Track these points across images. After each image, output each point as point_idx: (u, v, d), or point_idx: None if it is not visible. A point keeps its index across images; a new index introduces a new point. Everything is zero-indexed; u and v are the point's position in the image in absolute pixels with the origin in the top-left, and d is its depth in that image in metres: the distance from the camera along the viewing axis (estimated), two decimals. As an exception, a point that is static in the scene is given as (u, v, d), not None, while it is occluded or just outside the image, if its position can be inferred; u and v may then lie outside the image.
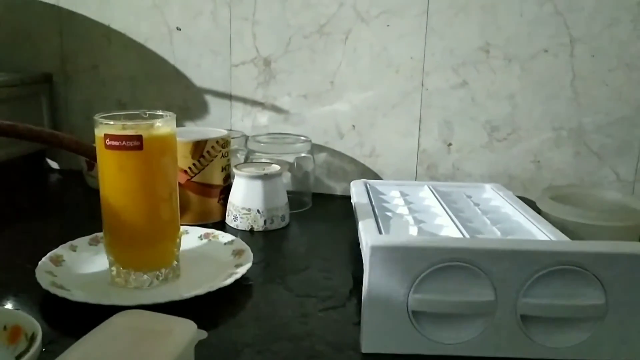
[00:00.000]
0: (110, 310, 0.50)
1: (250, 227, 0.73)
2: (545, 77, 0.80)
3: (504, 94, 0.82)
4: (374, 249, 0.44)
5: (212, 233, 0.67)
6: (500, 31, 0.79)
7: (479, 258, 0.44)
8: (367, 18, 0.83)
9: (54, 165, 1.02)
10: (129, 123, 0.53)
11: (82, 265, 0.59)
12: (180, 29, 0.91)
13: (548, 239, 0.54)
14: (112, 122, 0.52)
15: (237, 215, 0.74)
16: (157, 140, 0.53)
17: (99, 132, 0.52)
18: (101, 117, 0.53)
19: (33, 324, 0.43)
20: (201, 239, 0.66)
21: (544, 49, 0.79)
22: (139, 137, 0.51)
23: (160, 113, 0.55)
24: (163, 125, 0.54)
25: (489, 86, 0.82)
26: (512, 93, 0.81)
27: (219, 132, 0.78)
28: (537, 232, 0.58)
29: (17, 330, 0.43)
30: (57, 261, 0.58)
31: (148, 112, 0.56)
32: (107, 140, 0.51)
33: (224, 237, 0.66)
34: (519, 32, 0.79)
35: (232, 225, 0.75)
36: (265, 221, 0.73)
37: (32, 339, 0.42)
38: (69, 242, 0.62)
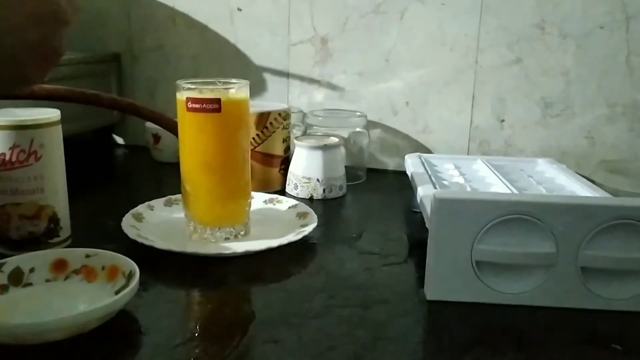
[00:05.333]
0: (191, 259, 0.55)
1: (310, 195, 0.77)
2: (600, 54, 0.81)
3: (558, 71, 0.83)
4: (441, 202, 0.47)
5: (277, 198, 0.71)
6: (556, 8, 0.81)
7: (542, 211, 0.46)
8: (422, -3, 0.86)
9: (120, 140, 1.08)
10: (208, 87, 0.57)
11: (160, 222, 0.64)
12: (241, 10, 0.95)
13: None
14: (193, 87, 0.56)
15: (298, 184, 0.77)
16: (233, 103, 0.57)
17: (181, 95, 0.57)
18: (184, 82, 0.57)
19: (130, 264, 0.47)
20: (266, 203, 0.70)
21: (599, 25, 0.80)
22: (217, 100, 0.56)
23: (234, 80, 0.59)
24: (238, 91, 0.58)
25: (544, 63, 0.83)
26: (566, 70, 0.83)
27: (281, 105, 0.81)
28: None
29: (115, 270, 0.48)
30: (139, 218, 0.63)
31: (222, 80, 0.60)
32: (189, 103, 0.56)
33: (288, 201, 0.70)
34: (574, 9, 0.80)
35: (292, 194, 0.78)
36: (324, 190, 0.77)
37: (130, 276, 0.46)
38: (147, 202, 0.67)
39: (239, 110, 0.58)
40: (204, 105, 0.55)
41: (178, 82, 0.57)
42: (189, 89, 0.56)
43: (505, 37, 0.84)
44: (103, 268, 0.48)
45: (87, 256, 0.49)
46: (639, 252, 0.46)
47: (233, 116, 0.57)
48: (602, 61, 0.81)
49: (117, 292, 0.46)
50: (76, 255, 0.49)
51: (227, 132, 0.57)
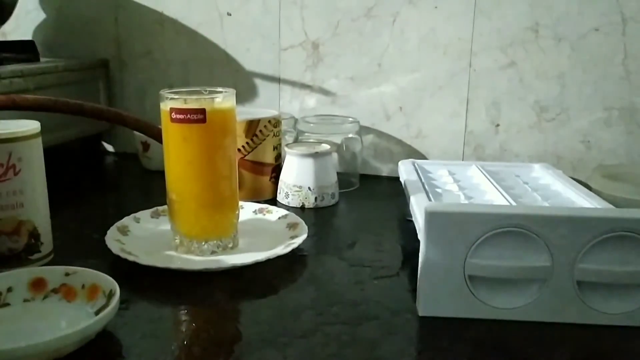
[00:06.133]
0: (176, 274, 0.53)
1: (301, 204, 0.75)
2: (595, 57, 0.79)
3: (553, 74, 0.81)
4: (432, 215, 0.45)
5: (266, 208, 0.69)
6: (550, 10, 0.79)
7: (536, 224, 0.44)
8: (415, 0, 0.84)
9: (110, 148, 1.06)
10: (193, 97, 0.55)
11: (146, 235, 0.62)
12: (230, 14, 0.93)
13: (602, 211, 0.55)
14: (177, 97, 0.55)
15: (289, 193, 0.76)
16: (219, 113, 0.55)
17: (165, 106, 0.55)
18: (167, 92, 0.55)
19: (110, 282, 0.46)
20: (256, 214, 0.69)
21: (594, 27, 0.78)
22: (202, 111, 0.54)
23: (220, 89, 0.58)
24: (224, 100, 0.56)
25: (538, 66, 0.82)
26: (561, 73, 0.81)
27: (271, 112, 0.80)
28: (589, 206, 0.59)
29: (95, 289, 0.46)
30: (124, 231, 0.61)
31: (208, 89, 0.58)
32: (173, 113, 0.54)
33: (278, 211, 0.68)
34: (569, 11, 0.79)
35: (283, 203, 0.77)
36: (316, 198, 0.75)
37: (110, 295, 0.45)
38: (133, 214, 0.65)
39: (225, 120, 0.56)
40: (188, 115, 0.54)
41: (162, 92, 0.56)
42: (172, 98, 0.55)
43: (499, 40, 0.82)
44: (83, 287, 0.47)
45: (67, 274, 0.47)
46: (636, 265, 0.44)
47: (218, 126, 0.55)
48: (598, 64, 0.79)
49: (97, 312, 0.44)
50: (55, 274, 0.47)
51: (212, 142, 0.56)
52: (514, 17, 0.81)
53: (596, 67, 0.80)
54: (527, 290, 0.46)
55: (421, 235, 0.47)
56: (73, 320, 0.44)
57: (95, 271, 0.47)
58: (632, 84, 0.79)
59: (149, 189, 0.87)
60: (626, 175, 0.72)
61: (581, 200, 0.61)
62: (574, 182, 0.69)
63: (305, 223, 0.64)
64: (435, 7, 0.84)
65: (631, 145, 0.80)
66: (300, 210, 0.75)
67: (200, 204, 0.57)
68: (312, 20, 0.89)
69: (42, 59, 0.91)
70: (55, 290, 0.47)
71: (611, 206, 0.57)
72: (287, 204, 0.76)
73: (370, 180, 0.90)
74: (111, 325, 0.44)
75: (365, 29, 0.87)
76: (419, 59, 0.86)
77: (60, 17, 1.01)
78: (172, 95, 0.55)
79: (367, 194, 0.84)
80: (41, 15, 1.02)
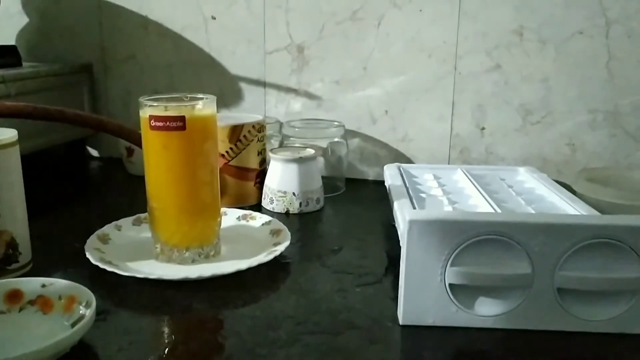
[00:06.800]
0: (156, 284, 0.53)
1: (286, 210, 0.75)
2: (580, 59, 0.79)
3: (538, 77, 0.81)
4: (412, 223, 0.45)
5: (250, 214, 0.69)
6: (535, 14, 0.79)
7: (516, 231, 0.44)
8: (400, 3, 0.84)
9: (94, 153, 1.06)
10: (172, 104, 0.54)
11: (127, 243, 0.61)
12: (215, 18, 0.93)
13: (584, 216, 0.55)
14: (156, 104, 0.54)
15: (273, 198, 0.75)
16: (199, 120, 0.55)
17: (144, 113, 0.54)
18: (146, 100, 0.55)
19: (87, 293, 0.45)
20: (239, 220, 0.68)
21: (579, 30, 0.79)
22: (182, 118, 0.53)
23: (201, 96, 0.57)
24: (204, 107, 0.56)
25: (523, 69, 0.82)
26: (546, 76, 0.81)
27: (255, 117, 0.79)
28: (572, 211, 0.59)
29: (71, 300, 0.46)
30: (104, 239, 0.61)
31: (189, 95, 0.58)
32: (152, 121, 0.54)
33: (262, 218, 0.68)
34: (553, 14, 0.79)
35: (268, 208, 0.76)
36: (300, 204, 0.75)
37: (87, 306, 0.44)
38: (114, 222, 0.64)
39: (205, 127, 0.56)
40: (168, 123, 0.53)
41: (141, 99, 0.55)
42: (151, 106, 0.54)
43: (484, 44, 0.82)
44: (60, 298, 0.46)
45: (43, 286, 0.47)
46: (616, 272, 0.44)
47: (199, 133, 0.55)
48: (582, 67, 0.79)
49: (73, 324, 0.44)
50: (31, 285, 0.47)
51: (192, 149, 0.55)
52: (498, 20, 0.81)
53: (580, 70, 0.80)
54: (508, 298, 0.46)
55: (402, 242, 0.47)
56: (49, 333, 0.43)
57: (71, 282, 0.46)
58: (616, 86, 0.79)
59: (133, 194, 0.86)
60: (610, 179, 0.72)
61: (565, 205, 0.61)
62: (559, 186, 0.69)
63: (290, 229, 0.64)
64: (420, 11, 0.83)
65: (615, 148, 0.80)
66: (285, 216, 0.74)
67: (181, 212, 0.56)
68: (297, 24, 0.89)
69: (24, 64, 0.90)
70: (31, 302, 0.46)
71: (594, 211, 0.57)
72: (271, 210, 0.76)
73: (356, 184, 0.89)
74: (88, 337, 0.43)
75: (351, 33, 0.87)
76: (404, 62, 0.86)
77: (44, 22, 1.00)
78: (151, 103, 0.54)
79: (352, 198, 0.84)
80: (24, 20, 1.01)
